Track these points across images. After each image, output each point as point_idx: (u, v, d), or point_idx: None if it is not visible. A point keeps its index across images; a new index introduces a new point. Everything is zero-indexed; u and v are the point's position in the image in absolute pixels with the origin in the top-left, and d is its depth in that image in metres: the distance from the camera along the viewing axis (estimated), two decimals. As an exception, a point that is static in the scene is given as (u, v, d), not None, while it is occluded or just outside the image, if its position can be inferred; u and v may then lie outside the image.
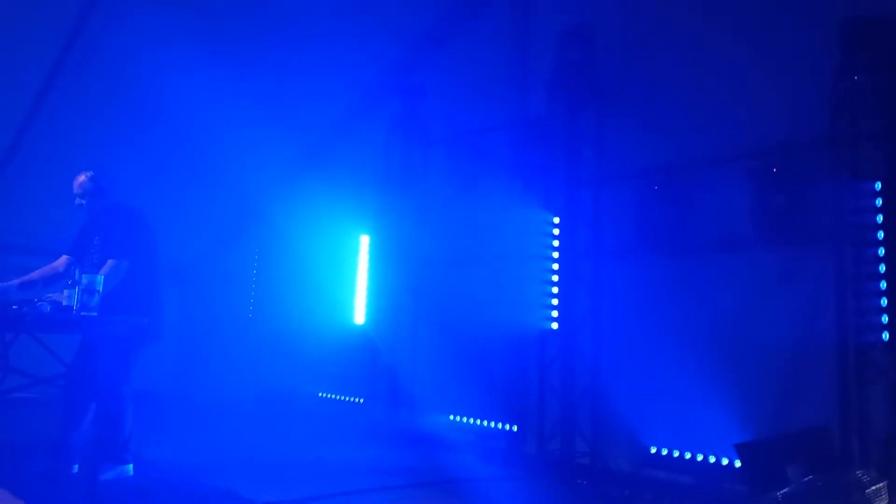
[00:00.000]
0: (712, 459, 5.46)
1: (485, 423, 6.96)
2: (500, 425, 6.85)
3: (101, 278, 4.21)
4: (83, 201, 4.74)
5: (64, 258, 4.81)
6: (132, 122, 8.16)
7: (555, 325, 6.24)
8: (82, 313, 4.11)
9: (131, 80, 7.67)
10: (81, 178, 4.74)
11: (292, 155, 9.28)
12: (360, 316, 8.49)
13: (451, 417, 7.26)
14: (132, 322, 4.35)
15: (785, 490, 3.00)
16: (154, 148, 8.47)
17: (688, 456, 5.60)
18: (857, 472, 2.99)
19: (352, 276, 8.69)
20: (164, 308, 4.80)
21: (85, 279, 4.18)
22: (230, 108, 7.92)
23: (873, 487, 2.92)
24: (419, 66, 8.62)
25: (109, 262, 4.53)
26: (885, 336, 4.59)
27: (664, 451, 5.72)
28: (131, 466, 4.58)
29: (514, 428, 6.74)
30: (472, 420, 7.07)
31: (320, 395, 8.93)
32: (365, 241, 8.68)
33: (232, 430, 7.50)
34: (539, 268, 6.65)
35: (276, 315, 9.77)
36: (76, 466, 4.52)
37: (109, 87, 7.90)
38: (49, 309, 4.15)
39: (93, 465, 4.33)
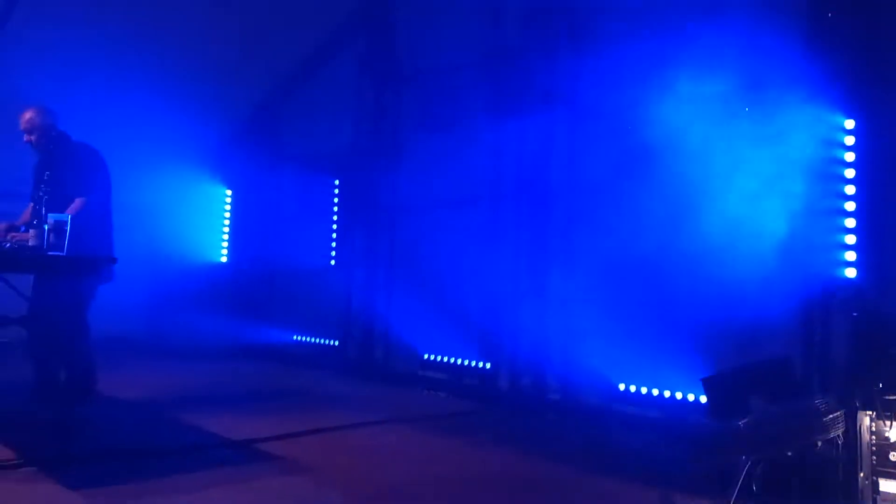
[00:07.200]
0: (679, 395, 5.64)
1: (459, 360, 7.05)
2: (473, 363, 6.96)
3: (68, 217, 4.13)
4: (32, 137, 4.63)
5: (31, 207, 4.69)
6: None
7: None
8: (50, 253, 4.05)
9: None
10: (28, 114, 4.63)
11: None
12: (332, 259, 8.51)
13: (426, 357, 7.34)
14: (103, 263, 4.32)
15: (746, 419, 3.09)
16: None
17: (655, 392, 5.77)
18: (817, 401, 3.09)
19: (327, 221, 8.71)
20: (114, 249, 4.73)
21: (51, 218, 4.11)
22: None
23: (831, 415, 3.02)
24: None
25: (78, 201, 4.43)
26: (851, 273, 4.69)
27: (632, 388, 5.88)
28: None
29: (488, 365, 6.85)
30: (446, 358, 7.16)
31: (294, 338, 8.96)
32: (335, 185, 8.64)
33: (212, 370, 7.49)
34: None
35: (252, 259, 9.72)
36: (55, 408, 4.42)
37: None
38: (11, 247, 4.08)
39: (69, 406, 4.33)
